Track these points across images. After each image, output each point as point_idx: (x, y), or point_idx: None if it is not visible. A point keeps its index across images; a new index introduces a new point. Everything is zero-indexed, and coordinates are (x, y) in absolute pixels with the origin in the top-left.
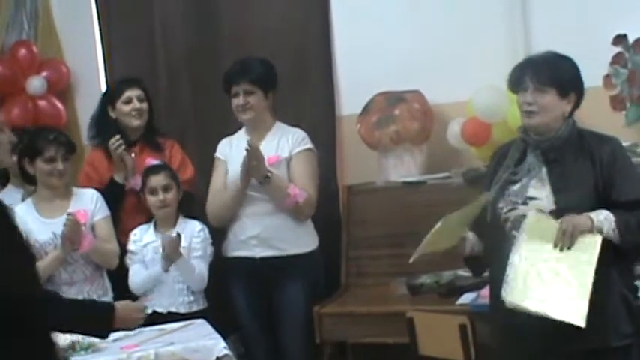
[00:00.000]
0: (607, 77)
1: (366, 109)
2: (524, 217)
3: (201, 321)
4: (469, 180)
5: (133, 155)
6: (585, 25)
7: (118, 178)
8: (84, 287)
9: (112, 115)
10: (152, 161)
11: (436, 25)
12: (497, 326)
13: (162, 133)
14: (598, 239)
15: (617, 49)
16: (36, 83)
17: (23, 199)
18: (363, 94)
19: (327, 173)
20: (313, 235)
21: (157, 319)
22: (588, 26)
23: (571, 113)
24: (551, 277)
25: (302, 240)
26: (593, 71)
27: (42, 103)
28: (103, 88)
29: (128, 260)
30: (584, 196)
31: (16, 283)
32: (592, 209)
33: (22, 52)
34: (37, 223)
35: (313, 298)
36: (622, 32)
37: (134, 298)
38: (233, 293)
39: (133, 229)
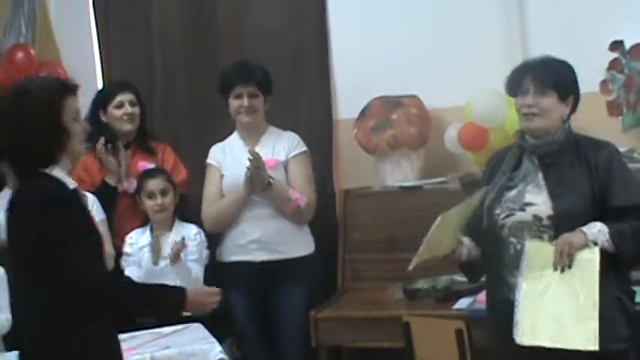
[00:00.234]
0: (604, 83)
1: (363, 114)
2: (520, 222)
3: (197, 325)
4: (466, 185)
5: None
6: (582, 30)
7: (110, 180)
8: None
9: (104, 119)
10: (145, 164)
11: (433, 29)
12: (494, 331)
13: (155, 136)
14: (596, 255)
15: (614, 55)
16: None
17: None
18: (361, 99)
19: (323, 177)
20: (310, 238)
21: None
22: (585, 32)
23: (568, 117)
24: (558, 307)
25: (301, 243)
26: (590, 77)
27: None
28: None
29: (123, 262)
30: (582, 201)
31: (90, 269)
32: (589, 214)
33: (20, 55)
34: None
35: (312, 301)
36: (619, 38)
37: None
38: (231, 298)
39: (126, 231)
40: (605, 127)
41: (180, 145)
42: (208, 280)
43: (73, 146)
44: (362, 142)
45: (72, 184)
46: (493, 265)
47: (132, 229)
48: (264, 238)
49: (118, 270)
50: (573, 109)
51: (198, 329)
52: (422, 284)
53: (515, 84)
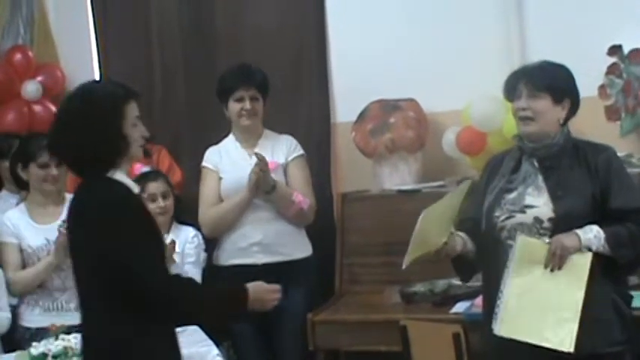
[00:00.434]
0: (602, 88)
1: (361, 117)
2: (521, 225)
3: (194, 328)
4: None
5: None
6: (581, 35)
7: None
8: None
9: None
10: (140, 167)
11: (432, 33)
12: (490, 335)
13: (150, 138)
14: (588, 259)
15: (613, 60)
16: (31, 88)
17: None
18: (359, 102)
19: (321, 181)
20: (308, 240)
21: None
22: (584, 37)
23: (566, 120)
24: (541, 305)
25: (300, 245)
26: (589, 82)
27: (37, 107)
28: None
29: None
30: (582, 203)
31: (159, 271)
32: (589, 217)
33: (18, 56)
34: (30, 229)
35: (311, 304)
36: (617, 43)
37: None
38: None
39: None
40: (603, 131)
41: (179, 146)
42: (205, 283)
43: (133, 152)
44: (360, 146)
45: (135, 187)
46: (490, 269)
47: None
48: (266, 241)
49: None
50: (572, 113)
51: (195, 332)
52: (419, 288)
53: (511, 88)
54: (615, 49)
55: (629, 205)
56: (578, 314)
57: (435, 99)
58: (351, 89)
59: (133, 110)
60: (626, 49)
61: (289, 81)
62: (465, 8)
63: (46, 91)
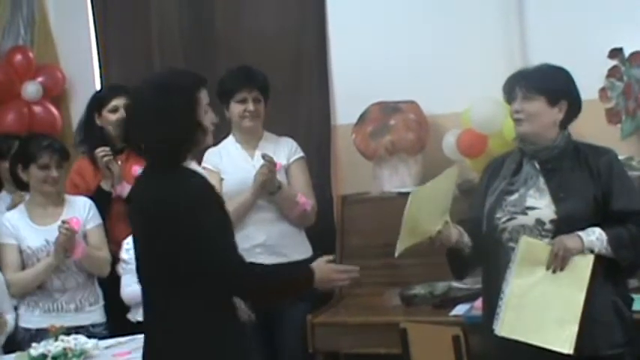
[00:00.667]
0: (603, 90)
1: (361, 119)
2: (522, 226)
3: None
4: (464, 191)
5: (119, 163)
6: (581, 38)
7: (105, 185)
8: (76, 295)
9: (98, 122)
10: (139, 168)
11: (432, 35)
12: (490, 335)
13: None
14: (590, 261)
15: (613, 63)
16: (31, 89)
17: (8, 208)
18: (359, 104)
19: (321, 183)
20: (308, 242)
21: None
22: (584, 39)
23: (565, 123)
24: (542, 306)
25: (302, 247)
26: (589, 84)
27: (37, 108)
28: None
29: (120, 269)
30: (584, 205)
31: (238, 256)
32: (591, 218)
33: (18, 57)
34: (30, 230)
35: (311, 306)
36: (618, 45)
37: (126, 306)
38: None
39: (120, 236)
40: (603, 134)
41: None
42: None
43: (206, 140)
44: (360, 148)
45: (206, 175)
46: (491, 270)
47: (125, 235)
48: (269, 242)
49: (114, 276)
50: (571, 115)
51: None
52: (419, 290)
53: (509, 91)
54: (616, 52)
55: (631, 207)
56: (579, 316)
57: (435, 101)
58: (351, 91)
59: (204, 97)
60: (626, 52)
61: (289, 83)
62: (466, 11)
63: (46, 92)
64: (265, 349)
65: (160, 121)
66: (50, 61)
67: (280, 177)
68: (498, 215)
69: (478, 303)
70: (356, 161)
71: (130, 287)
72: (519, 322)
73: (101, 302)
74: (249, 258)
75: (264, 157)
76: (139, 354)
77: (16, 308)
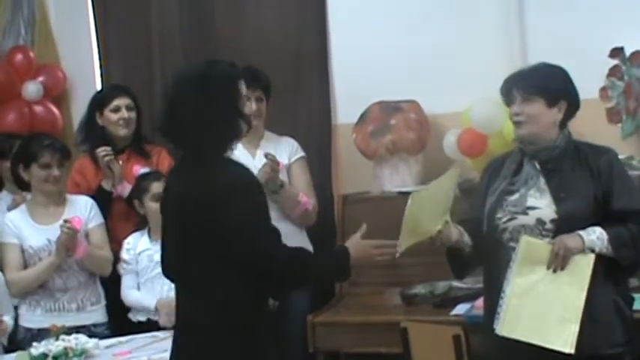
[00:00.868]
0: (603, 90)
1: (362, 119)
2: (523, 226)
3: None
4: (464, 191)
5: (120, 163)
6: (582, 37)
7: (106, 185)
8: (78, 294)
9: (100, 122)
10: (139, 168)
11: (433, 35)
12: (491, 335)
13: (150, 140)
14: (591, 260)
15: (614, 62)
16: (32, 88)
17: (9, 208)
18: (360, 104)
19: (322, 182)
20: (309, 241)
21: (150, 326)
22: (585, 39)
23: (564, 122)
24: (543, 306)
25: (303, 246)
26: (590, 84)
27: (38, 108)
28: None
29: (121, 269)
30: (585, 204)
31: (281, 245)
32: (592, 218)
33: (19, 57)
34: (31, 229)
35: (311, 305)
36: (619, 45)
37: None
38: None
39: (120, 236)
40: (604, 134)
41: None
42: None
43: (246, 130)
44: (361, 147)
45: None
46: (491, 270)
47: (126, 234)
48: None
49: (116, 276)
50: (570, 114)
51: None
52: (420, 290)
53: (507, 93)
54: (617, 52)
55: (631, 206)
56: (580, 315)
57: (436, 101)
58: (351, 91)
59: (243, 88)
60: (627, 52)
61: (290, 82)
62: (466, 10)
63: (47, 92)
64: None
65: (203, 111)
66: (51, 60)
67: (282, 176)
68: (499, 215)
69: (479, 302)
70: (356, 161)
71: (131, 292)
72: (520, 321)
73: (103, 302)
74: None
75: (266, 156)
76: (140, 353)
77: (17, 308)
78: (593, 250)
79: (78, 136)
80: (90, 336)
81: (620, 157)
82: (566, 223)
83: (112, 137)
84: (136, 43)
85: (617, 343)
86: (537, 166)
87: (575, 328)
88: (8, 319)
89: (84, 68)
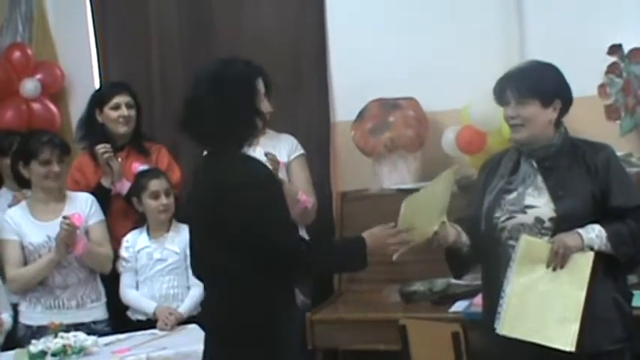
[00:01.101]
0: (602, 87)
1: (360, 116)
2: (522, 225)
3: (193, 326)
4: (463, 188)
5: (119, 160)
6: (581, 34)
7: (105, 182)
8: (77, 291)
9: (99, 119)
10: (139, 165)
11: (432, 32)
12: (491, 334)
13: (149, 137)
14: (590, 258)
15: (613, 59)
16: (30, 86)
17: (10, 206)
18: (358, 101)
19: (321, 179)
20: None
21: (149, 324)
22: (584, 36)
23: (559, 120)
24: (543, 304)
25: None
26: (588, 81)
27: (36, 105)
28: None
29: (120, 267)
30: (583, 202)
31: (297, 238)
32: (590, 216)
33: (17, 54)
34: (32, 226)
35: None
36: (617, 42)
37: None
38: None
39: (119, 233)
40: (602, 131)
41: (179, 148)
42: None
43: (262, 127)
44: (359, 145)
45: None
46: (490, 269)
47: (125, 232)
48: None
49: (117, 273)
50: (564, 112)
51: (194, 330)
52: (418, 287)
53: (499, 94)
54: (615, 49)
55: (629, 202)
56: (580, 313)
57: (434, 98)
58: (350, 88)
59: (261, 86)
60: (626, 49)
61: (289, 80)
62: (465, 7)
63: (45, 89)
64: None
65: (218, 112)
66: (49, 58)
67: (281, 174)
68: (497, 214)
69: (477, 299)
70: (355, 158)
71: (130, 291)
72: (521, 320)
73: (103, 299)
74: None
75: (266, 154)
76: (139, 351)
77: (17, 305)
78: (592, 248)
79: (77, 133)
80: (90, 333)
81: (618, 154)
82: (564, 222)
83: (112, 135)
84: (134, 40)
85: (618, 339)
86: (534, 164)
87: (575, 327)
88: (6, 317)
89: (82, 66)
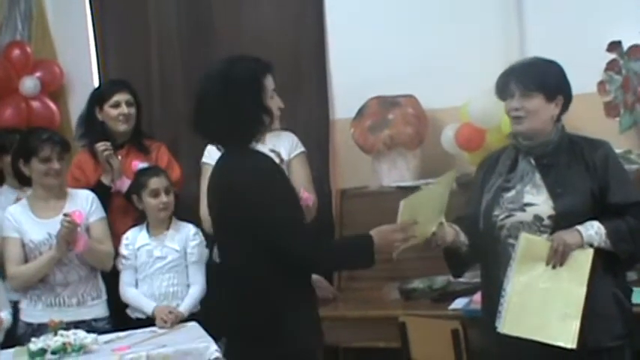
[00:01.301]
0: (601, 84)
1: (360, 114)
2: (521, 223)
3: (193, 324)
4: (462, 185)
5: (119, 158)
6: (580, 31)
7: (105, 180)
8: (78, 288)
9: (99, 117)
10: (138, 163)
11: (431, 30)
12: (491, 332)
13: (149, 135)
14: (590, 255)
15: (612, 56)
16: (29, 84)
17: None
18: (358, 98)
19: (320, 177)
20: None
21: (148, 322)
22: (583, 33)
23: (559, 117)
24: (543, 302)
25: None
26: (588, 78)
27: (35, 103)
28: None
29: (120, 265)
30: (582, 199)
31: (306, 232)
32: (589, 213)
33: (16, 52)
34: (32, 224)
35: None
36: (617, 39)
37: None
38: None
39: (119, 231)
40: (602, 128)
41: (179, 146)
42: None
43: (273, 124)
44: (359, 142)
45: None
46: (489, 267)
47: (124, 229)
48: None
49: (118, 270)
50: (564, 109)
51: (193, 328)
52: (418, 284)
53: (503, 88)
54: (615, 46)
55: (628, 199)
56: (581, 310)
57: (433, 95)
58: (349, 86)
59: (270, 83)
60: (625, 46)
61: (288, 78)
62: (464, 4)
63: (44, 87)
64: None
65: (225, 111)
66: (48, 56)
67: None
68: (496, 212)
69: (477, 297)
70: (355, 155)
71: (129, 289)
72: (522, 318)
73: (104, 297)
74: None
75: (272, 151)
76: (139, 349)
77: (17, 302)
78: (591, 245)
79: (77, 131)
80: (90, 331)
81: (617, 151)
82: (563, 219)
83: (112, 132)
84: (134, 38)
85: (618, 335)
86: (532, 162)
87: (576, 324)
88: (5, 315)
89: (81, 64)
